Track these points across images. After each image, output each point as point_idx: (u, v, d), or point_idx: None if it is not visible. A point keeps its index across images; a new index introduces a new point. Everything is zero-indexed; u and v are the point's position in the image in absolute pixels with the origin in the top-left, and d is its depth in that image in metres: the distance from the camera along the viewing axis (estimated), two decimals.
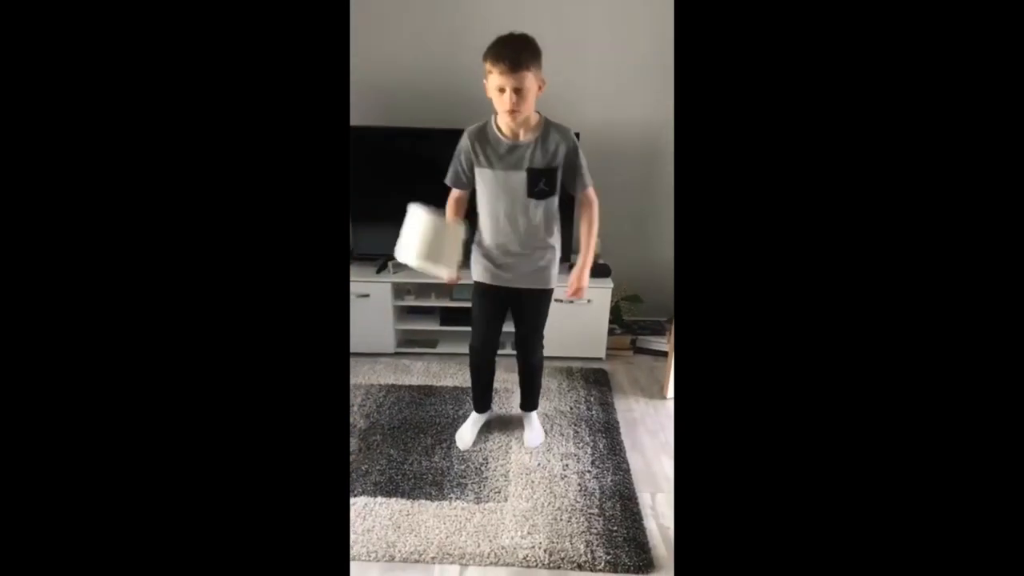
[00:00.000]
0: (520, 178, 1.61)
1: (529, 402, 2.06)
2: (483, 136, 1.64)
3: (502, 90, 1.50)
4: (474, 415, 2.09)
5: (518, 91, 1.49)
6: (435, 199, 2.55)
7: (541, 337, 1.91)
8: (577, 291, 1.74)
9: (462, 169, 1.70)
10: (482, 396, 2.06)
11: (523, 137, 1.61)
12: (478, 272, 1.80)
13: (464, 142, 1.67)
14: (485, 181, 1.67)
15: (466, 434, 2.04)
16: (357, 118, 2.54)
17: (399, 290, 2.60)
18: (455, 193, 1.76)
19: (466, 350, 2.63)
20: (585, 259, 1.73)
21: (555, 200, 1.68)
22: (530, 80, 1.49)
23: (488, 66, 1.51)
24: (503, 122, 1.60)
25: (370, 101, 2.63)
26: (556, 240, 1.75)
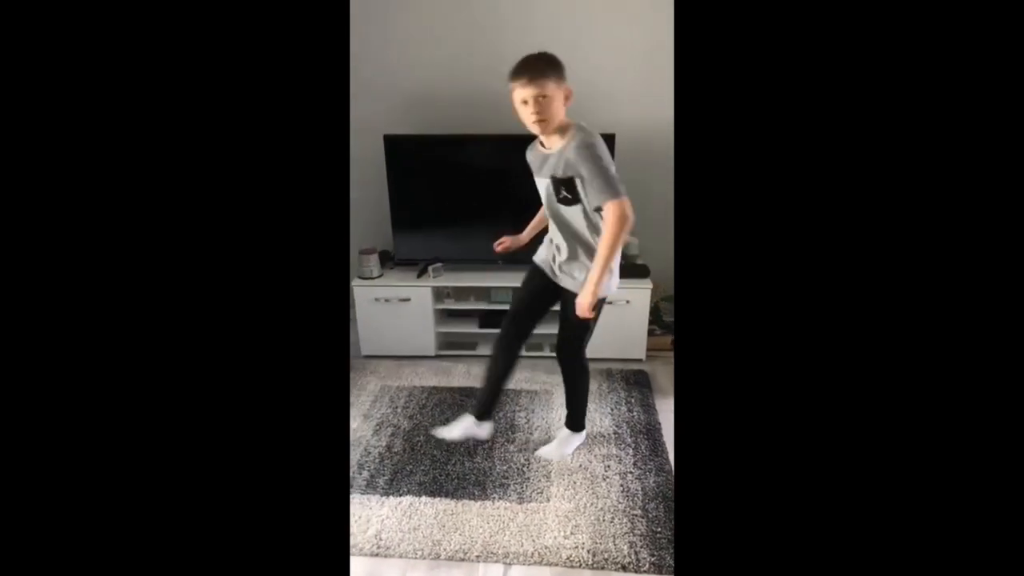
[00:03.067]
0: (552, 186, 1.65)
1: (569, 418, 1.99)
2: (532, 148, 1.75)
3: (525, 102, 1.54)
4: (466, 418, 1.91)
5: (539, 99, 1.51)
6: (471, 205, 2.60)
7: (579, 351, 1.85)
8: (582, 309, 1.61)
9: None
10: (488, 398, 1.88)
11: (556, 146, 1.63)
12: (537, 253, 1.87)
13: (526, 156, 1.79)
14: (538, 189, 1.77)
15: (448, 430, 1.93)
16: (392, 127, 2.61)
17: (439, 294, 2.65)
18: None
19: None
20: (591, 277, 1.58)
21: (593, 212, 1.65)
22: (551, 88, 1.52)
23: (511, 84, 1.55)
24: (538, 135, 1.65)
25: (405, 110, 2.70)
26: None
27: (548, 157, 1.64)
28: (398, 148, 2.54)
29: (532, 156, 1.74)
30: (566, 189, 1.61)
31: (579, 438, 2.01)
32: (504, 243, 1.94)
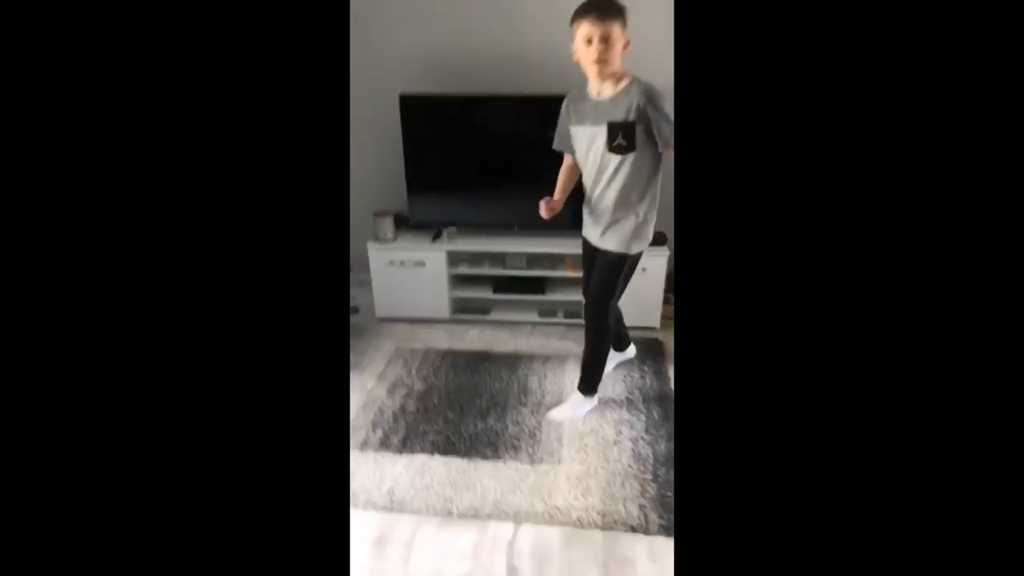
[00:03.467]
0: (603, 133, 1.64)
1: (581, 380, 1.99)
2: (577, 96, 1.73)
3: (589, 41, 1.54)
4: (611, 352, 2.15)
5: (605, 39, 1.52)
6: (487, 168, 2.57)
7: (603, 311, 1.83)
8: None
9: (563, 132, 1.81)
10: (616, 336, 2.13)
11: (609, 93, 1.63)
12: (583, 227, 1.89)
13: (563, 106, 1.79)
14: (576, 138, 1.75)
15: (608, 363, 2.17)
16: (408, 86, 2.56)
17: (453, 258, 2.64)
18: (567, 158, 1.89)
19: (518, 319, 2.68)
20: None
21: (644, 161, 1.65)
22: (616, 32, 1.54)
23: (576, 21, 1.56)
24: (592, 78, 1.64)
25: (422, 69, 2.64)
26: (644, 206, 1.70)
27: (600, 104, 1.64)
28: (414, 108, 2.50)
29: (576, 104, 1.72)
30: (624, 135, 1.61)
31: (590, 403, 2.02)
32: (552, 204, 1.82)
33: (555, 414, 1.99)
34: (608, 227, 1.75)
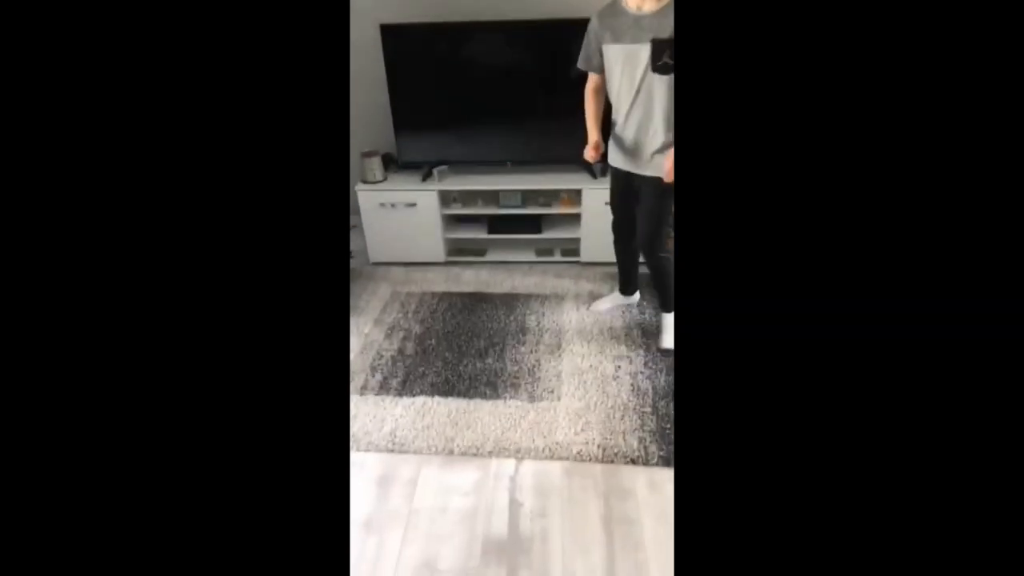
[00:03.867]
0: (645, 51, 1.54)
1: (662, 303, 2.03)
2: (610, 12, 1.63)
3: None
4: (615, 293, 2.23)
5: None
6: (478, 101, 2.45)
7: (660, 240, 1.82)
8: (670, 174, 1.61)
9: (591, 51, 1.71)
10: (623, 279, 2.17)
11: (652, 7, 1.54)
12: (611, 156, 1.82)
13: (592, 22, 1.68)
14: (612, 58, 1.65)
15: (601, 304, 2.24)
16: (389, 14, 2.40)
17: (445, 198, 2.57)
18: (592, 79, 1.79)
19: (514, 259, 2.64)
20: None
21: None
22: None
23: None
24: None
25: None
26: None
27: (641, 19, 1.54)
28: (397, 39, 2.35)
29: (610, 20, 1.62)
30: (670, 54, 1.52)
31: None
32: (598, 144, 1.76)
33: (667, 342, 1.98)
34: (656, 153, 1.67)
